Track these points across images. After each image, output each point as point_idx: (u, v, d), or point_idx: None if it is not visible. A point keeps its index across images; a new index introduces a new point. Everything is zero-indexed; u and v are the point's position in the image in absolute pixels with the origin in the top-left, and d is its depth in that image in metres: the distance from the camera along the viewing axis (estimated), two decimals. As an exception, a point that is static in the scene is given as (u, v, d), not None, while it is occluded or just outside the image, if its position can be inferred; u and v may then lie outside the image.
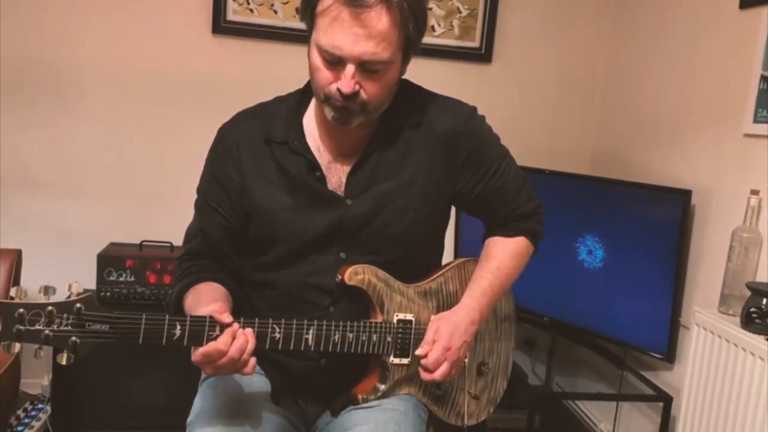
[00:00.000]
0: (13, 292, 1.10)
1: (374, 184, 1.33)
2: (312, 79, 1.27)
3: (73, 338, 1.10)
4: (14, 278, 2.13)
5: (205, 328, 1.15)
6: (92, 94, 2.65)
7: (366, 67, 1.20)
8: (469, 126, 1.37)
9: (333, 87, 1.22)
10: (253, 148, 1.35)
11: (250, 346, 1.17)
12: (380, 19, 1.17)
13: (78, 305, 1.10)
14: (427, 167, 1.35)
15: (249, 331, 1.18)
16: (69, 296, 1.12)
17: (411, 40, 1.24)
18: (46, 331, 1.08)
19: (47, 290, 1.11)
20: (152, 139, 2.71)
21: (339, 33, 1.17)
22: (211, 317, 1.16)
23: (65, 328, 1.09)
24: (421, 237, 1.39)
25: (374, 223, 1.33)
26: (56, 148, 2.66)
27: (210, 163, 1.40)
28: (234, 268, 1.40)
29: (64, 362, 1.10)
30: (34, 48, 2.59)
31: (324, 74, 1.22)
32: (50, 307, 1.08)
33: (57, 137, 2.65)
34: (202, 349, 1.15)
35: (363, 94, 1.22)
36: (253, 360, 1.17)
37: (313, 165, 1.33)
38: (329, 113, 1.26)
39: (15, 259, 2.15)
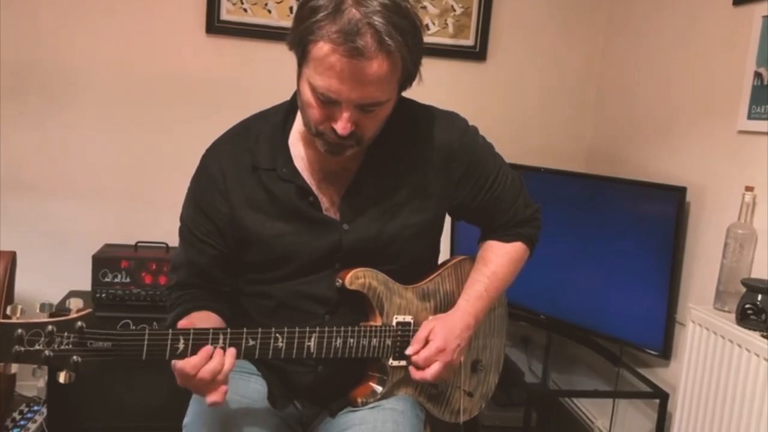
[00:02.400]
0: (9, 310, 1.05)
1: (370, 207, 1.31)
2: (303, 112, 1.23)
3: (75, 357, 1.07)
4: (9, 280, 2.12)
5: (208, 340, 1.14)
6: (86, 95, 2.65)
7: (363, 108, 1.17)
8: (465, 141, 1.36)
9: (327, 126, 1.18)
10: (239, 177, 1.31)
11: (225, 369, 1.14)
12: (381, 67, 1.12)
13: (79, 323, 1.06)
14: (423, 184, 1.34)
15: (231, 351, 1.16)
16: (69, 313, 1.08)
17: (410, 76, 1.21)
18: (46, 352, 1.05)
19: (44, 307, 1.07)
20: (146, 140, 2.70)
21: (336, 79, 1.12)
22: (213, 329, 1.16)
23: (66, 347, 1.06)
24: (420, 251, 1.39)
25: (374, 244, 1.31)
26: (50, 149, 2.65)
27: (194, 193, 1.35)
28: (228, 293, 1.38)
29: (62, 380, 1.07)
30: (27, 49, 2.58)
31: (317, 112, 1.18)
32: (50, 326, 1.05)
33: (51, 138, 2.64)
34: (178, 365, 1.14)
35: (358, 131, 1.19)
36: (222, 389, 1.15)
37: (305, 191, 1.30)
38: (321, 146, 1.22)
39: (10, 261, 2.14)
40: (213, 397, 1.15)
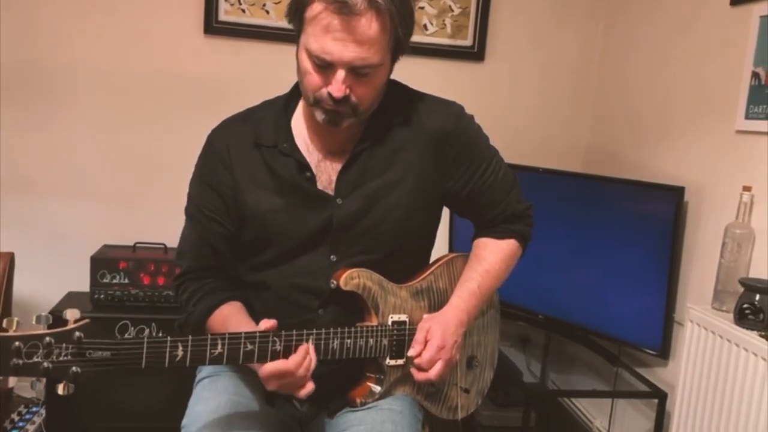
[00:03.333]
0: (5, 323, 1.04)
1: (364, 183, 1.33)
2: (301, 82, 1.28)
3: (74, 368, 1.06)
4: (7, 282, 2.12)
5: (207, 346, 1.15)
6: (84, 95, 2.65)
7: (356, 71, 1.21)
8: (459, 125, 1.38)
9: (323, 91, 1.23)
10: (243, 153, 1.35)
11: (313, 364, 1.21)
12: (370, 26, 1.17)
13: (77, 334, 1.06)
14: (417, 165, 1.35)
15: (312, 348, 1.21)
16: (66, 323, 1.07)
17: (400, 42, 1.25)
18: (45, 363, 1.04)
19: (40, 319, 1.05)
20: (145, 140, 2.70)
21: (329, 39, 1.18)
22: (212, 335, 1.16)
23: (65, 358, 1.05)
24: (411, 234, 1.39)
25: (364, 221, 1.33)
26: (49, 149, 2.65)
27: (201, 170, 1.39)
28: (235, 275, 1.40)
29: (60, 392, 1.06)
30: (26, 50, 2.58)
31: (314, 78, 1.23)
32: (48, 338, 1.04)
33: (49, 139, 2.64)
34: (270, 368, 1.17)
35: (353, 97, 1.23)
36: (311, 383, 1.20)
37: (303, 165, 1.33)
38: (319, 116, 1.26)
39: (8, 262, 2.13)
40: (308, 389, 1.20)
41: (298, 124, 1.37)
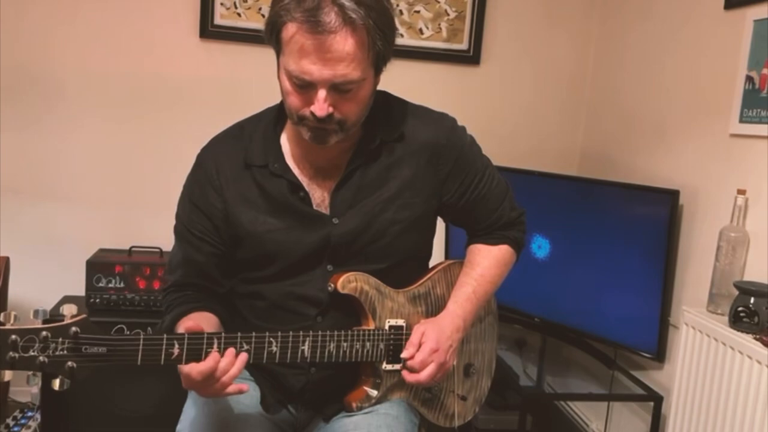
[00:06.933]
0: (2, 317, 1.05)
1: (359, 201, 1.33)
2: (285, 104, 1.26)
3: (70, 363, 1.06)
4: (2, 285, 2.12)
5: (203, 345, 1.14)
6: (80, 99, 2.64)
7: (338, 88, 1.19)
8: (453, 138, 1.38)
9: (306, 111, 1.21)
10: (233, 174, 1.33)
11: (234, 370, 1.16)
12: (346, 42, 1.15)
13: (74, 328, 1.06)
14: (411, 179, 1.35)
15: (242, 356, 1.17)
16: (63, 319, 1.08)
17: (381, 55, 1.22)
18: (41, 357, 1.04)
19: (37, 314, 1.06)
20: (140, 144, 2.70)
21: (306, 59, 1.15)
22: (208, 334, 1.16)
23: (61, 353, 1.05)
24: (409, 248, 1.39)
25: (362, 239, 1.33)
26: (43, 154, 2.65)
27: (190, 191, 1.37)
28: (223, 294, 1.39)
29: (56, 388, 1.06)
30: (21, 53, 2.58)
31: (296, 98, 1.21)
32: (45, 332, 1.04)
33: (44, 143, 2.64)
34: (184, 370, 1.14)
35: (337, 114, 1.21)
36: (233, 387, 1.16)
37: (296, 186, 1.32)
38: (305, 134, 1.24)
39: (3, 266, 2.14)
40: (221, 394, 1.16)
41: (288, 140, 1.35)
